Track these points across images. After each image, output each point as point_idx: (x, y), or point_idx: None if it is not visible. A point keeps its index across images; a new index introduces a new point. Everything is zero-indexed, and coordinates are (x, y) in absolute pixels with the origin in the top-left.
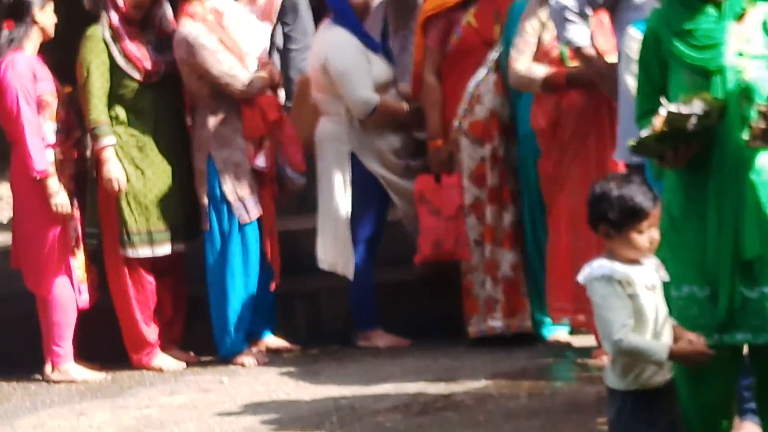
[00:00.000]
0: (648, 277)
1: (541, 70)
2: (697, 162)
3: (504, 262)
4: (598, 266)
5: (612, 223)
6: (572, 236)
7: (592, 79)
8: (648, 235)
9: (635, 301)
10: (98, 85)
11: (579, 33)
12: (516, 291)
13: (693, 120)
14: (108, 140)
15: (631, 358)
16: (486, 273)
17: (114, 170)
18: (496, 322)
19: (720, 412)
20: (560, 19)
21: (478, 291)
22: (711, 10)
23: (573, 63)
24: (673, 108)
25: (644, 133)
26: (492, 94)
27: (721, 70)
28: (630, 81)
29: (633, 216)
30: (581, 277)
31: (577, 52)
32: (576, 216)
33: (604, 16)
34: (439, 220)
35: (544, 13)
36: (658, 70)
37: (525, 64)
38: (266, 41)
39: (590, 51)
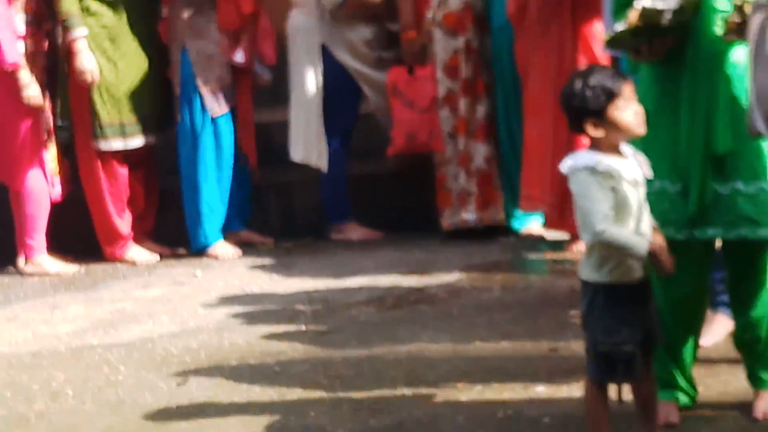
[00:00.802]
0: (632, 171)
1: None
2: (671, 56)
3: (477, 154)
4: (581, 157)
5: (593, 112)
6: (533, 123)
7: None
8: (630, 109)
9: (618, 194)
10: None
11: None
12: (489, 183)
13: (667, 15)
14: (80, 32)
15: (610, 250)
16: (459, 166)
17: (86, 62)
18: (469, 215)
19: (692, 306)
20: None
21: (452, 184)
22: None
23: None
24: (648, 2)
25: (619, 27)
26: None
27: None
28: None
29: (608, 96)
30: (563, 168)
31: None
32: (535, 103)
33: None
34: (412, 112)
35: None
36: None
37: None
38: None
39: None
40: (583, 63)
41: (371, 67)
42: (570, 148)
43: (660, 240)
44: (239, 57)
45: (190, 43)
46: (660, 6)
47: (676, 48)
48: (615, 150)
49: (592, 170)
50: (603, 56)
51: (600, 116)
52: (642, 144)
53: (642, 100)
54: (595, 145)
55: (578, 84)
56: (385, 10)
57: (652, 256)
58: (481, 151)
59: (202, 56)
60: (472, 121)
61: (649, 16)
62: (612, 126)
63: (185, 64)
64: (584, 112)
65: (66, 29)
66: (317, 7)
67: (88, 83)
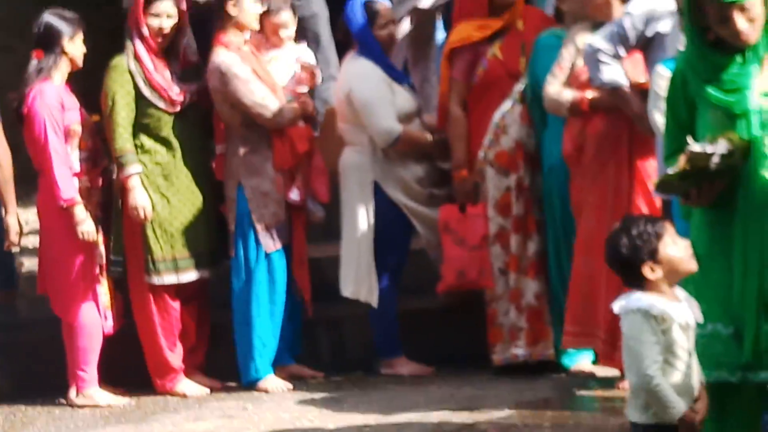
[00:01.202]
0: (684, 314)
1: (569, 94)
2: (722, 201)
3: (528, 290)
4: (635, 299)
5: (647, 255)
6: (583, 261)
7: (615, 105)
8: (678, 245)
9: (668, 337)
10: (123, 114)
11: (613, 74)
12: (539, 319)
13: (715, 159)
14: (133, 168)
15: (651, 397)
16: (510, 301)
17: (139, 198)
18: (520, 350)
19: None
20: (594, 61)
21: (503, 319)
22: (736, 56)
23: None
24: (697, 147)
25: (669, 171)
26: (518, 125)
27: (746, 113)
28: (658, 118)
29: (657, 236)
30: (616, 308)
31: (614, 93)
32: (588, 242)
33: (638, 56)
34: (463, 249)
35: (580, 40)
36: (686, 111)
37: (556, 88)
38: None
39: (624, 91)
40: (639, 202)
41: (423, 204)
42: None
43: (702, 405)
44: (294, 195)
45: (246, 181)
46: (709, 150)
47: (727, 193)
48: (670, 292)
49: (646, 313)
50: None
51: (654, 257)
52: (694, 287)
53: (694, 244)
54: (651, 287)
55: (623, 238)
56: (437, 149)
57: (683, 423)
58: (531, 288)
59: (257, 193)
60: (523, 257)
61: (697, 159)
62: (667, 263)
63: (241, 200)
64: (639, 259)
65: (120, 166)
66: (370, 145)
67: (140, 220)
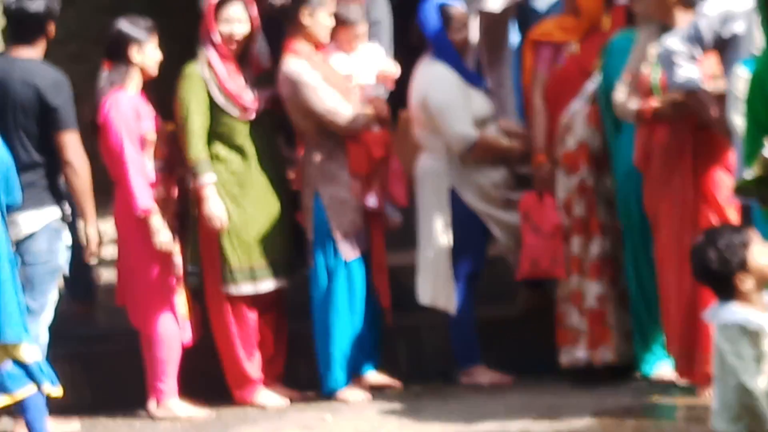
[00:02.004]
0: None
1: (634, 103)
2: None
3: (589, 293)
4: (730, 312)
5: (738, 266)
6: (662, 272)
7: (680, 114)
8: (764, 251)
9: (761, 349)
10: (197, 122)
11: (689, 76)
12: (600, 322)
13: None
14: (208, 177)
15: (747, 410)
16: (572, 303)
17: (215, 207)
18: (580, 353)
19: None
20: (669, 63)
21: (568, 321)
22: None
23: (663, 95)
24: None
25: (747, 175)
26: (583, 125)
27: None
28: (737, 121)
29: (744, 246)
30: (708, 317)
31: (691, 96)
32: (663, 252)
33: (714, 58)
34: (537, 237)
35: (651, 46)
36: (765, 112)
37: (623, 95)
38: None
39: (702, 93)
40: (705, 213)
41: (500, 210)
42: (695, 298)
43: None
44: (372, 202)
45: (323, 189)
46: None
47: None
48: (760, 301)
49: (743, 328)
50: (727, 206)
51: (744, 267)
52: None
53: None
54: (743, 297)
55: (710, 251)
56: (514, 153)
57: None
58: (593, 290)
59: (335, 201)
60: (585, 259)
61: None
62: (757, 272)
63: (318, 208)
64: (729, 271)
65: (195, 175)
66: (446, 151)
67: (216, 229)
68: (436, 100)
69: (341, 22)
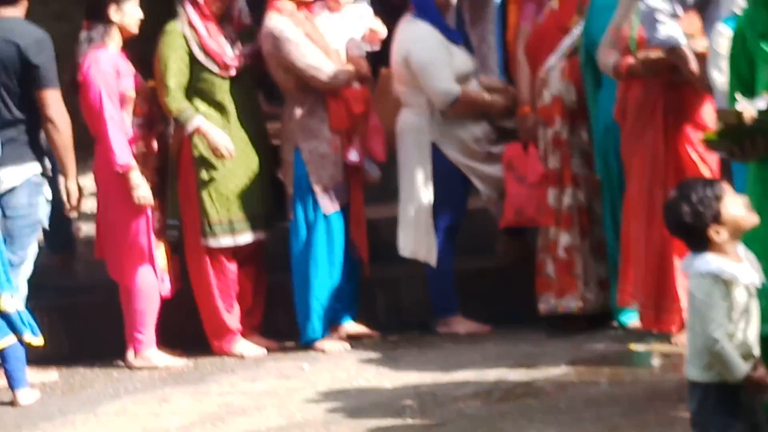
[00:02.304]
0: (748, 276)
1: (611, 58)
2: None
3: (559, 243)
4: (704, 261)
5: (711, 218)
6: (629, 224)
7: (652, 72)
8: (737, 203)
9: (732, 299)
10: (175, 78)
11: (671, 33)
12: (567, 272)
13: (746, 116)
14: (197, 119)
15: (715, 359)
16: (548, 254)
17: (219, 138)
18: (551, 301)
19: None
20: (651, 20)
21: (546, 270)
22: None
23: (640, 52)
24: (742, 104)
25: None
26: (558, 80)
27: None
28: (717, 77)
29: (717, 198)
30: (683, 267)
31: (672, 52)
32: (632, 204)
33: (695, 16)
34: (522, 186)
35: (632, 2)
36: (747, 68)
37: (604, 50)
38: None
39: (684, 50)
40: (675, 168)
41: (481, 163)
42: (664, 250)
43: (762, 372)
44: (353, 156)
45: (303, 143)
46: (740, 107)
47: None
48: (734, 252)
49: (716, 277)
50: (699, 161)
51: (718, 219)
52: (743, 242)
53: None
54: (717, 248)
55: (683, 205)
56: (495, 108)
57: (748, 382)
58: (563, 240)
59: (315, 155)
60: (558, 210)
61: (727, 117)
62: (731, 223)
63: (298, 163)
64: (703, 223)
65: (183, 123)
66: (427, 107)
67: (227, 155)
68: (418, 57)
69: None
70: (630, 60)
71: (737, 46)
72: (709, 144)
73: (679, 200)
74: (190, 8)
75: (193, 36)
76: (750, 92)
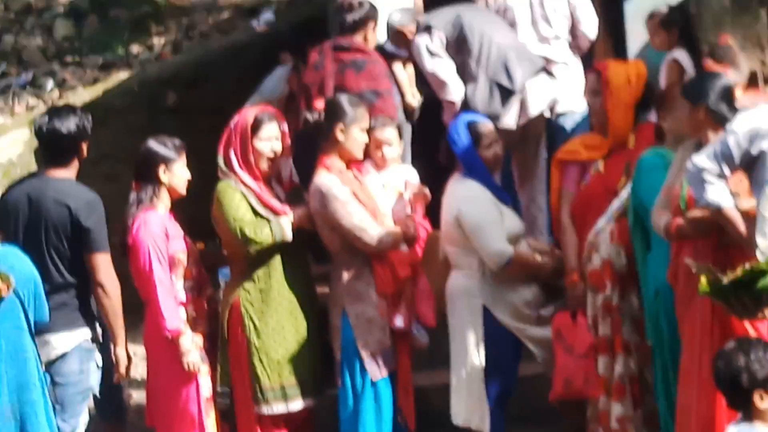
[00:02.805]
0: None
1: (663, 219)
2: None
3: (612, 414)
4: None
5: (763, 383)
6: (680, 392)
7: (701, 233)
8: None
9: None
10: (249, 216)
11: (718, 194)
12: None
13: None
14: (285, 221)
15: None
16: (600, 425)
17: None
18: None
19: None
20: (698, 180)
21: None
22: None
23: (688, 212)
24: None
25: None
26: (607, 244)
27: None
28: (761, 242)
29: None
30: None
31: (718, 213)
32: (684, 373)
33: (743, 175)
34: (570, 357)
35: (684, 162)
36: None
37: (657, 211)
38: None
39: (731, 212)
40: (722, 334)
41: (533, 326)
42: (711, 422)
43: None
44: (399, 322)
45: (350, 307)
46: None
47: None
48: None
49: None
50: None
51: (766, 386)
52: None
53: None
54: (758, 415)
55: (739, 359)
56: (547, 270)
57: None
58: (615, 411)
59: (362, 320)
60: (610, 379)
61: (702, 271)
62: None
63: (346, 327)
64: (752, 383)
65: (276, 239)
66: (479, 269)
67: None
68: (471, 217)
69: (371, 128)
70: (680, 221)
71: None
72: (715, 291)
73: (735, 352)
74: (240, 170)
75: (249, 193)
76: None
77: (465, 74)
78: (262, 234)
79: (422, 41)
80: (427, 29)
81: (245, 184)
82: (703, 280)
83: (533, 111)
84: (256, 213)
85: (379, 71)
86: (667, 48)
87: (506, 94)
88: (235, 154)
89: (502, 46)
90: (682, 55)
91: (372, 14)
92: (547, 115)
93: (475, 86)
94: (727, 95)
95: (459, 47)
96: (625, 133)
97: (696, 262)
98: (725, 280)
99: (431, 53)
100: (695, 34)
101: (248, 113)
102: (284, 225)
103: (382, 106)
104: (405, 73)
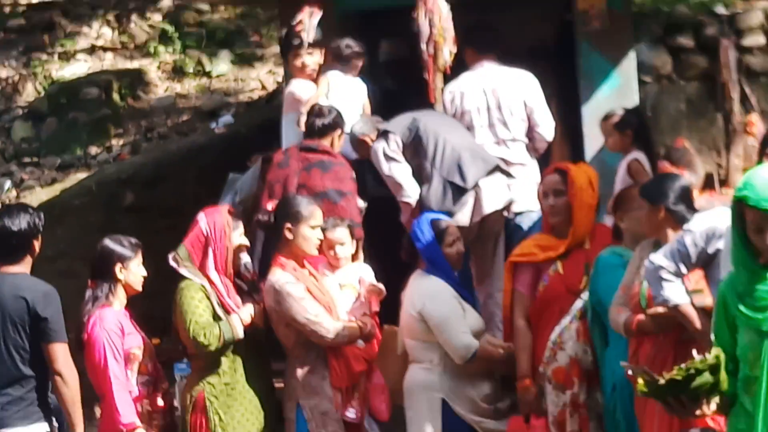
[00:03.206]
0: None
1: (622, 316)
2: (743, 422)
3: None
4: None
5: None
6: None
7: (661, 329)
8: None
9: None
10: (206, 318)
11: (675, 291)
12: None
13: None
14: (236, 320)
15: None
16: None
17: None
18: None
19: None
20: (656, 278)
21: None
22: None
23: (649, 309)
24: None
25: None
26: (573, 341)
27: None
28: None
29: None
30: None
31: (675, 310)
32: None
33: (700, 273)
34: None
35: (642, 260)
36: (728, 333)
37: (615, 308)
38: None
39: (687, 308)
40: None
41: (491, 420)
42: None
43: None
44: (351, 413)
45: (305, 401)
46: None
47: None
48: None
49: None
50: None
51: None
52: None
53: None
54: None
55: None
56: (506, 365)
57: None
58: None
59: (316, 413)
60: None
61: (637, 374)
62: None
63: (300, 420)
64: None
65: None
66: (439, 363)
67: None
68: (436, 312)
69: (323, 229)
70: (641, 317)
71: (719, 311)
72: (646, 395)
73: None
74: (212, 270)
75: (212, 292)
76: (734, 359)
77: (421, 175)
78: (212, 337)
79: (379, 146)
80: (384, 134)
81: (212, 283)
82: (641, 381)
83: (487, 209)
84: (213, 313)
85: (344, 174)
86: (620, 149)
87: (459, 192)
88: (214, 255)
89: (457, 146)
90: (641, 156)
91: (340, 122)
92: (506, 214)
93: (430, 186)
94: (686, 196)
95: (415, 150)
96: (586, 233)
97: (632, 365)
98: (662, 380)
99: (388, 157)
100: (650, 137)
101: (223, 215)
102: (234, 324)
103: (346, 206)
104: None
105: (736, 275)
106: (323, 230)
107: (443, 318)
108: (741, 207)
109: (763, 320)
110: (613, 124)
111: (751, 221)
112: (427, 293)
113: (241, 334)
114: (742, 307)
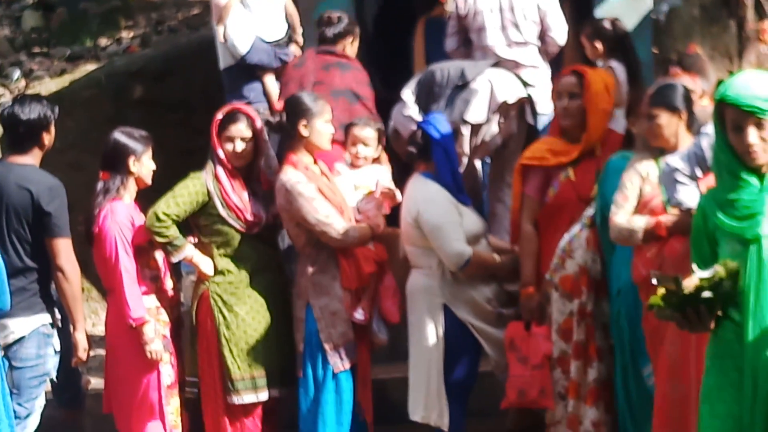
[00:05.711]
0: None
1: (641, 221)
2: (731, 332)
3: (585, 418)
4: None
5: None
6: (670, 386)
7: (678, 232)
8: None
9: None
10: (176, 210)
11: (689, 194)
12: None
13: (687, 284)
14: (188, 249)
15: None
16: (568, 428)
17: (204, 266)
18: None
19: None
20: (670, 180)
21: None
22: (753, 180)
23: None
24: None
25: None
26: (583, 250)
27: (758, 238)
28: None
29: None
30: None
31: (688, 213)
32: (675, 366)
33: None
34: (525, 368)
35: (643, 167)
36: (708, 246)
37: (625, 217)
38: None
39: None
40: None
41: (492, 325)
42: None
43: None
44: (359, 315)
45: (315, 300)
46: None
47: (736, 325)
48: None
49: None
50: None
51: None
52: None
53: (706, 373)
54: None
55: None
56: (504, 271)
57: None
58: (589, 415)
59: (326, 313)
60: (582, 384)
61: (665, 282)
62: None
63: (309, 320)
64: None
65: (170, 252)
66: (438, 268)
67: (206, 277)
68: (429, 218)
69: (351, 124)
70: (668, 218)
71: (698, 225)
72: (655, 311)
73: None
74: (217, 164)
75: (216, 191)
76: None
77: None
78: (166, 231)
79: (397, 109)
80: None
81: (217, 178)
82: (659, 293)
83: (500, 98)
84: (215, 214)
85: (362, 78)
86: (596, 58)
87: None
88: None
89: (461, 63)
90: (616, 65)
91: (351, 29)
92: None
93: (438, 104)
94: (691, 101)
95: (428, 91)
96: (599, 139)
97: (659, 274)
98: (686, 290)
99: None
100: (630, 47)
101: (220, 110)
102: (184, 248)
103: (361, 110)
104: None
105: (718, 185)
106: (352, 126)
107: (437, 225)
108: (722, 108)
109: (746, 228)
110: (584, 35)
111: (731, 120)
112: (421, 199)
113: (176, 260)
114: (722, 216)
